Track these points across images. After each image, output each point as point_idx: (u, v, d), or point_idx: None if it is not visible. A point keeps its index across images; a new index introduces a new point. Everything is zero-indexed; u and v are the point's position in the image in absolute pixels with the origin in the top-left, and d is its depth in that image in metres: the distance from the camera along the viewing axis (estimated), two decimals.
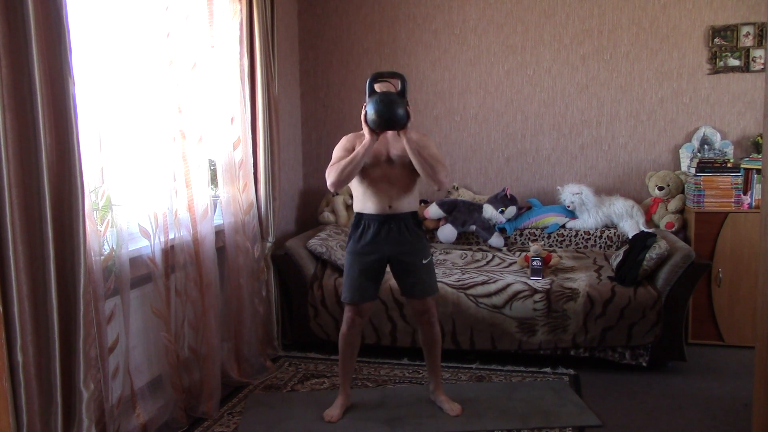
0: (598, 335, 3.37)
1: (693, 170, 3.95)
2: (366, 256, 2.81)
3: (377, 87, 2.78)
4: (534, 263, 3.56)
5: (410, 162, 2.78)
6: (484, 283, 3.49)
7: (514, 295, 3.41)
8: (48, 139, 2.07)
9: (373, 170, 2.79)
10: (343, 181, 2.75)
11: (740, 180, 3.83)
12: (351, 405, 2.98)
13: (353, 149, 2.79)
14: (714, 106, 4.15)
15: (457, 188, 4.47)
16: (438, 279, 3.18)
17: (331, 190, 2.84)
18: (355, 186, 2.86)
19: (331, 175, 2.76)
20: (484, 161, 4.53)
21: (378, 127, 2.68)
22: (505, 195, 4.18)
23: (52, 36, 2.07)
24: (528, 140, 4.45)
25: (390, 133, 2.80)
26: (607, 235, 4.13)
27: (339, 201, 4.43)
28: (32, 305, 2.05)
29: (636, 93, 4.26)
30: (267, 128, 3.60)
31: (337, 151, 2.85)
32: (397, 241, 2.81)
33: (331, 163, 2.82)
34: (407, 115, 2.68)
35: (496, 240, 4.22)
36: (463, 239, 4.33)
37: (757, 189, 3.78)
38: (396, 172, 2.80)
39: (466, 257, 4.05)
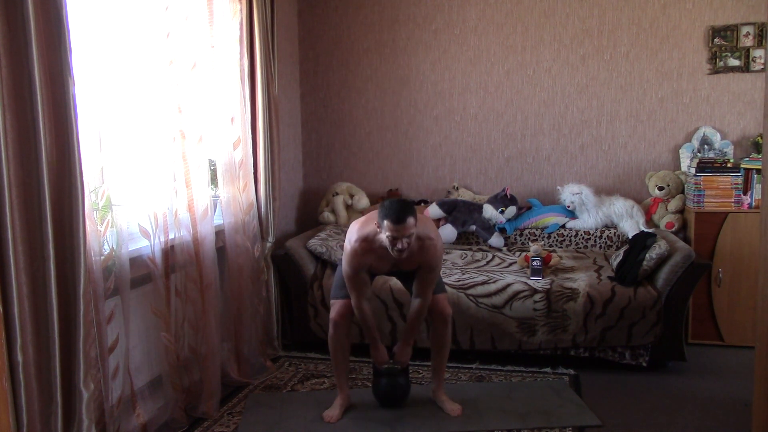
0: (598, 335, 3.37)
1: (693, 170, 3.95)
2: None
3: (389, 229, 2.55)
4: (534, 263, 3.56)
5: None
6: (484, 283, 3.49)
7: (514, 295, 3.41)
8: (48, 139, 2.07)
9: (379, 273, 2.90)
10: None
11: (740, 180, 3.83)
12: (351, 405, 2.98)
13: (363, 265, 2.72)
14: (714, 106, 4.15)
15: (457, 188, 4.47)
16: None
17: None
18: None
19: (356, 312, 2.85)
20: (484, 161, 4.53)
21: (383, 405, 2.96)
22: (505, 195, 4.18)
23: (52, 36, 2.07)
24: (528, 140, 4.45)
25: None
26: (607, 235, 4.13)
27: (339, 201, 4.43)
28: (32, 305, 2.05)
29: (636, 93, 4.26)
30: (267, 128, 3.60)
31: (349, 269, 2.72)
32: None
33: (348, 284, 2.78)
34: (407, 391, 2.96)
35: (496, 240, 4.22)
36: (463, 239, 4.33)
37: (757, 189, 3.78)
38: (403, 272, 2.89)
39: (466, 257, 4.05)
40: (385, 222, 2.54)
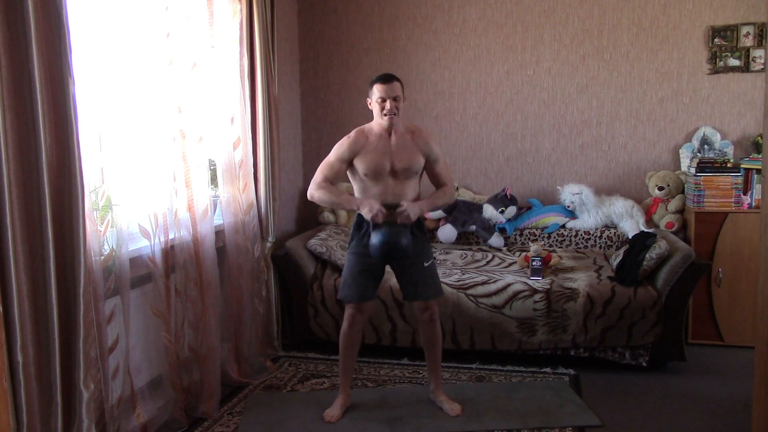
0: (598, 335, 3.37)
1: (693, 170, 3.95)
2: (368, 257, 2.80)
3: (377, 90, 2.76)
4: (534, 263, 3.56)
5: (414, 172, 2.80)
6: (484, 283, 3.49)
7: (514, 295, 3.41)
8: (48, 139, 2.07)
9: (376, 183, 2.79)
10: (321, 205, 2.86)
11: (740, 180, 3.83)
12: (351, 405, 2.98)
13: (350, 159, 2.78)
14: (714, 106, 4.15)
15: (457, 188, 4.47)
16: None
17: (309, 199, 2.87)
18: (357, 191, 2.87)
19: (314, 193, 2.82)
20: (484, 161, 4.53)
21: (380, 259, 2.74)
22: (505, 195, 4.18)
23: (52, 36, 2.07)
24: (528, 140, 4.45)
25: (394, 142, 2.78)
26: (607, 235, 4.13)
27: None
28: (32, 305, 2.05)
29: (636, 93, 4.26)
30: (267, 128, 3.60)
31: (333, 155, 2.82)
32: None
33: (321, 167, 2.83)
34: (409, 244, 2.69)
35: (496, 240, 4.22)
36: (463, 239, 4.33)
37: (757, 189, 3.78)
38: (400, 183, 2.80)
39: (466, 257, 4.05)
40: (374, 87, 2.78)
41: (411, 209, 2.71)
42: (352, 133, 2.85)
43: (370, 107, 2.85)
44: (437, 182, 2.93)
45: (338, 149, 2.83)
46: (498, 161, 4.51)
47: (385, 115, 2.75)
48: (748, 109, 4.10)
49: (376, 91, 2.77)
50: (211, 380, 3.00)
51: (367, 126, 2.87)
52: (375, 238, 2.64)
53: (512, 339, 3.44)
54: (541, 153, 4.44)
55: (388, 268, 2.92)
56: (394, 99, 2.75)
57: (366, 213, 2.70)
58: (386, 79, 2.77)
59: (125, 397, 2.60)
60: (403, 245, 2.64)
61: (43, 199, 2.06)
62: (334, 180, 2.85)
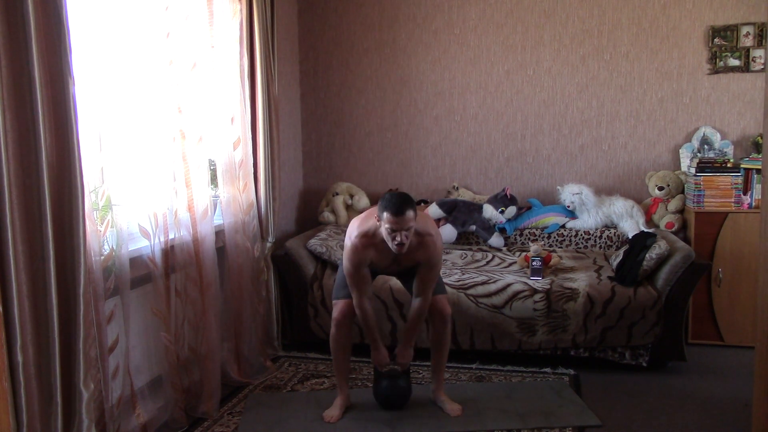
0: (598, 335, 3.37)
1: (693, 170, 3.95)
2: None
3: (388, 221, 2.57)
4: (534, 263, 3.56)
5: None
6: (484, 283, 3.49)
7: (514, 295, 3.41)
8: (48, 139, 2.07)
9: (380, 271, 2.85)
10: None
11: (740, 180, 3.83)
12: (351, 405, 2.98)
13: (364, 260, 2.71)
14: (714, 106, 4.15)
15: (457, 188, 4.47)
16: None
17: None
18: None
19: (357, 311, 2.80)
20: (484, 161, 4.53)
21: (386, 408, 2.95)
22: (505, 195, 4.18)
23: (52, 36, 2.07)
24: (528, 140, 4.45)
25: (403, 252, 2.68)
26: (607, 235, 4.13)
27: (339, 201, 4.43)
28: (32, 305, 2.05)
29: (636, 93, 4.26)
30: (267, 128, 3.60)
31: (350, 266, 2.71)
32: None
33: (351, 284, 2.75)
34: (408, 394, 2.94)
35: (496, 240, 4.22)
36: (463, 239, 4.33)
37: (757, 189, 3.78)
38: (403, 270, 2.86)
39: (466, 257, 4.05)
40: (385, 214, 2.56)
41: (406, 357, 2.89)
42: (359, 245, 2.69)
43: (377, 221, 2.64)
44: (417, 286, 2.78)
45: (351, 262, 2.71)
46: (498, 161, 4.51)
47: (396, 245, 2.58)
48: (748, 109, 4.10)
49: (387, 222, 2.55)
50: (211, 380, 3.00)
51: (372, 229, 2.69)
52: (381, 387, 2.92)
53: (512, 339, 3.44)
54: (541, 153, 4.44)
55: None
56: (406, 230, 2.56)
57: (373, 359, 2.89)
58: (398, 211, 2.52)
59: (125, 397, 2.60)
60: (402, 391, 2.92)
61: (43, 199, 2.06)
62: (364, 285, 2.76)
